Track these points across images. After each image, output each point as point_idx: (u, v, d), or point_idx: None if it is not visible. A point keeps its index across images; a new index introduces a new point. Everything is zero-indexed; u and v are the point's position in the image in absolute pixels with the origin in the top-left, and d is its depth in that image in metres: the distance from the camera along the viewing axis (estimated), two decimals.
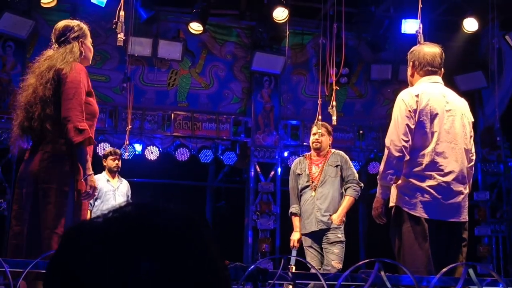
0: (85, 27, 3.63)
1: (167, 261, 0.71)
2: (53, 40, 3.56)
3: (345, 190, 5.51)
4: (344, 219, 5.44)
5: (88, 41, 3.62)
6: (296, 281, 2.46)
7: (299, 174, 5.62)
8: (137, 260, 0.70)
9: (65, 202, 3.29)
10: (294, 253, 5.43)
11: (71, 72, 3.35)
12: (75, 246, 0.74)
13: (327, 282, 2.33)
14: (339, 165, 5.52)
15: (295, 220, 5.57)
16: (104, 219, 0.76)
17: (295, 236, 5.52)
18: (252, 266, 2.37)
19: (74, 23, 3.59)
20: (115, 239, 0.72)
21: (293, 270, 4.84)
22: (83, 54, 3.54)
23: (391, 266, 2.82)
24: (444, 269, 2.61)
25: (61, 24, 3.59)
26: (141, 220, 0.74)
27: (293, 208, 5.59)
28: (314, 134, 5.63)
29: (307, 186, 5.54)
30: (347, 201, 5.44)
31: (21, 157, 3.57)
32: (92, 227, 0.75)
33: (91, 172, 3.36)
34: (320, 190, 5.46)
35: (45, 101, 3.33)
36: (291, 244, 5.52)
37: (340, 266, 5.30)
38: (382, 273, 2.42)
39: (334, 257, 5.29)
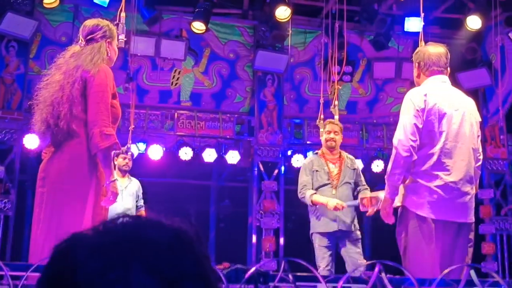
0: (114, 28, 3.63)
1: (158, 275, 0.70)
2: (81, 37, 3.55)
3: (360, 191, 5.48)
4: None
5: (115, 43, 3.61)
6: (297, 283, 2.46)
7: (316, 171, 5.47)
8: (127, 273, 0.70)
9: (84, 206, 3.24)
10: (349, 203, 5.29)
11: (98, 74, 3.33)
12: (66, 259, 0.73)
13: (328, 284, 2.33)
14: (355, 168, 5.54)
15: (319, 198, 5.30)
16: (95, 232, 0.76)
17: (333, 202, 5.20)
18: (253, 269, 2.37)
19: (104, 23, 3.59)
20: (105, 252, 0.72)
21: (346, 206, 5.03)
22: (109, 54, 3.53)
23: (396, 267, 2.81)
24: (446, 271, 2.60)
25: (91, 22, 3.60)
26: (132, 233, 0.74)
27: (311, 191, 5.35)
28: (329, 132, 5.55)
29: (326, 184, 5.43)
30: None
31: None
32: (82, 240, 0.75)
33: (115, 178, 3.32)
34: (341, 190, 5.41)
35: (72, 100, 3.31)
36: (338, 207, 5.18)
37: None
38: (383, 274, 2.41)
39: (359, 256, 5.32)
